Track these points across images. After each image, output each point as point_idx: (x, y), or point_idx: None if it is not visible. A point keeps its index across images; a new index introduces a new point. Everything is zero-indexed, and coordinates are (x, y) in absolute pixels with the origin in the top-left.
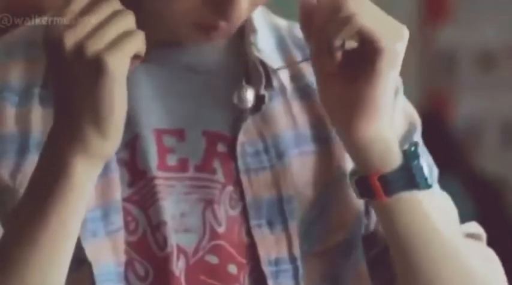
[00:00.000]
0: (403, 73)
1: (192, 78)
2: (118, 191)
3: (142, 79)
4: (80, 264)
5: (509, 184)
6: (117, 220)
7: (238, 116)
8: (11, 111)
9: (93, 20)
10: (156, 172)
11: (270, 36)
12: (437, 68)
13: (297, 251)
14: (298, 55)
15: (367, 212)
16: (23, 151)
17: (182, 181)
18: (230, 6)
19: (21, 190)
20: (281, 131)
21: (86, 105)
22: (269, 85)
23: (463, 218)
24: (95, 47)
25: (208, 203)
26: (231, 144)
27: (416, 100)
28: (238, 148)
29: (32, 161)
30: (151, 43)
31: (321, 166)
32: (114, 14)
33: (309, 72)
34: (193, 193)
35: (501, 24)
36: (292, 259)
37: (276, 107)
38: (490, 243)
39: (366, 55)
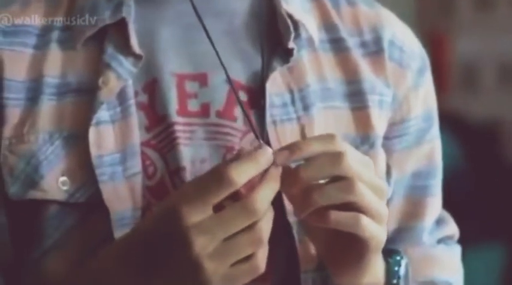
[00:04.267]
0: (400, 14)
1: (216, 23)
2: (137, 136)
3: (164, 24)
4: (95, 209)
5: (506, 125)
6: (136, 164)
7: (263, 66)
8: (26, 57)
9: (223, 232)
10: (175, 117)
11: None
12: (434, 8)
13: None
14: (328, 4)
15: (388, 179)
16: (35, 97)
17: (203, 127)
18: None
19: (30, 137)
20: (308, 84)
21: None
22: (297, 36)
23: (455, 162)
24: (215, 262)
25: (229, 150)
26: (254, 94)
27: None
28: (267, 99)
29: (43, 105)
30: None
31: (351, 124)
32: (249, 230)
33: (343, 25)
34: (214, 139)
35: None
36: None
37: (304, 59)
38: (485, 188)
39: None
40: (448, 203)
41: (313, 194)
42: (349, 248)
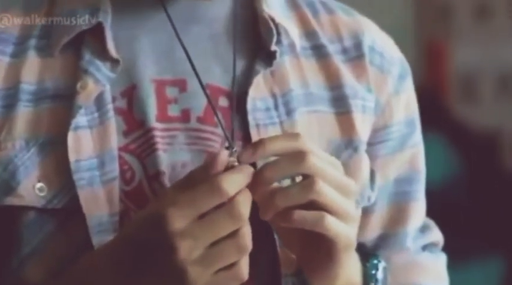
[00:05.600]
0: (399, 24)
1: (197, 29)
2: (114, 141)
3: (143, 30)
4: (72, 215)
5: (505, 134)
6: (113, 169)
7: (245, 71)
8: (3, 64)
9: (209, 238)
10: (154, 122)
11: None
12: (433, 18)
13: None
14: (308, 12)
15: (372, 185)
16: (11, 104)
17: (184, 132)
18: None
19: (6, 144)
20: (291, 89)
21: None
22: (278, 41)
23: (453, 173)
24: (200, 268)
25: (210, 157)
26: (234, 99)
27: (412, 50)
28: (249, 103)
29: (19, 112)
30: None
31: (335, 128)
32: (233, 236)
33: (323, 32)
34: (195, 144)
35: None
36: None
37: (286, 64)
38: (485, 199)
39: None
40: (447, 214)
41: (276, 194)
42: (319, 248)
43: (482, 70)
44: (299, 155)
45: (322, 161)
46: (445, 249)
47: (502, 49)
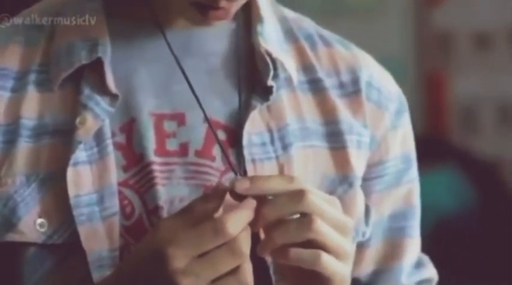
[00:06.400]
0: (400, 54)
1: (193, 62)
2: (114, 176)
3: (141, 63)
4: (73, 250)
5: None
6: (113, 204)
7: (241, 105)
8: (3, 99)
9: (210, 275)
10: (153, 157)
11: (277, 26)
12: (434, 49)
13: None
14: (306, 45)
15: (366, 220)
16: (12, 140)
17: (182, 166)
18: None
19: (7, 180)
20: (287, 123)
21: None
22: (275, 75)
23: (464, 202)
24: None
25: (208, 189)
26: (232, 133)
27: (413, 81)
28: (245, 138)
29: (20, 148)
30: (154, 24)
31: (330, 164)
32: (234, 273)
33: (320, 66)
34: (193, 178)
35: (497, 4)
36: None
37: (283, 98)
38: (491, 227)
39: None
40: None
41: (274, 231)
42: None
43: (482, 101)
44: (298, 194)
45: (320, 199)
46: (456, 274)
47: (501, 80)
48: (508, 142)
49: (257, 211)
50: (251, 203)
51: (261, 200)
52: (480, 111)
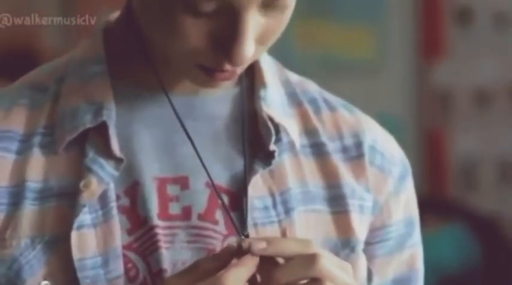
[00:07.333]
0: (400, 111)
1: (194, 125)
2: (118, 239)
3: (144, 127)
4: None
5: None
6: (118, 267)
7: (244, 169)
8: (9, 162)
9: None
10: (156, 220)
11: (280, 90)
12: (434, 106)
13: None
14: (309, 109)
15: (369, 282)
16: (17, 202)
17: (185, 229)
18: (236, 47)
19: (12, 242)
20: (289, 187)
21: None
22: (278, 140)
23: (466, 259)
24: None
25: (211, 252)
26: (234, 197)
27: (413, 137)
28: (247, 203)
29: (25, 210)
30: (158, 87)
31: (332, 228)
32: None
33: (323, 129)
34: (196, 242)
35: (497, 61)
36: None
37: (285, 162)
38: (496, 282)
39: None
40: None
41: None
42: None
43: (482, 158)
44: (311, 259)
45: (332, 265)
46: None
47: (501, 137)
48: (509, 199)
49: (268, 274)
50: (252, 260)
51: (270, 261)
52: (480, 168)
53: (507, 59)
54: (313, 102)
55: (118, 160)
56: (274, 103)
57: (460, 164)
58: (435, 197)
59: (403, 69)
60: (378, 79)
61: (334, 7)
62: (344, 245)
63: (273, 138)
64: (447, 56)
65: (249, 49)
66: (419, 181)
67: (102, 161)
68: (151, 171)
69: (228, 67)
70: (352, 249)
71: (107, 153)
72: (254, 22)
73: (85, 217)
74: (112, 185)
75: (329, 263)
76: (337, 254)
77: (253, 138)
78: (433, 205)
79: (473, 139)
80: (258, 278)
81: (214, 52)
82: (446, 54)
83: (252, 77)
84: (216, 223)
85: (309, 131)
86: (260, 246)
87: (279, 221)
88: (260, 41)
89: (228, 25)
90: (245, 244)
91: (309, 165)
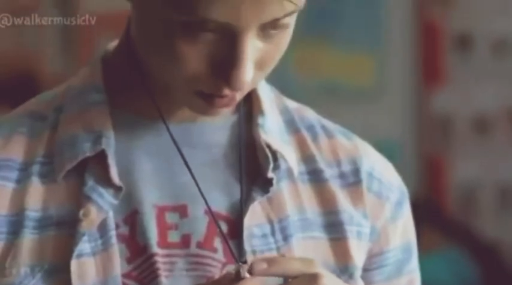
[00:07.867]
0: (399, 138)
1: (192, 153)
2: (117, 268)
3: (143, 155)
4: None
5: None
6: None
7: (242, 197)
8: (8, 190)
9: None
10: (156, 249)
11: (278, 117)
12: (433, 132)
13: None
14: (307, 136)
15: None
16: (17, 231)
17: (184, 257)
18: (235, 70)
19: (11, 270)
20: (288, 215)
21: None
22: (276, 167)
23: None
24: None
25: (209, 280)
26: (232, 224)
27: (413, 164)
28: (245, 231)
29: (25, 239)
30: (156, 115)
31: (330, 254)
32: None
33: (321, 156)
34: (195, 270)
35: (496, 88)
36: None
37: (283, 190)
38: None
39: None
40: None
41: None
42: None
43: (481, 184)
44: (313, 278)
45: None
46: None
47: (501, 164)
48: (509, 225)
49: None
50: (251, 282)
51: None
52: (480, 195)
53: (507, 86)
54: (310, 128)
55: (117, 189)
56: (272, 130)
57: (460, 191)
58: (434, 219)
59: (402, 96)
60: (378, 106)
61: (333, 34)
62: (342, 271)
63: (271, 165)
64: (447, 83)
65: (248, 72)
66: (419, 206)
67: (102, 189)
68: (150, 199)
69: (227, 92)
70: (351, 275)
71: (106, 181)
72: (253, 46)
73: (84, 245)
74: (111, 214)
75: (331, 283)
76: None
77: (252, 165)
78: (432, 225)
79: (473, 166)
80: None
81: (213, 77)
82: (446, 81)
83: (249, 105)
84: (215, 250)
85: (307, 158)
86: (260, 267)
87: (278, 248)
88: (259, 66)
89: (227, 49)
90: (234, 271)
91: (307, 192)
